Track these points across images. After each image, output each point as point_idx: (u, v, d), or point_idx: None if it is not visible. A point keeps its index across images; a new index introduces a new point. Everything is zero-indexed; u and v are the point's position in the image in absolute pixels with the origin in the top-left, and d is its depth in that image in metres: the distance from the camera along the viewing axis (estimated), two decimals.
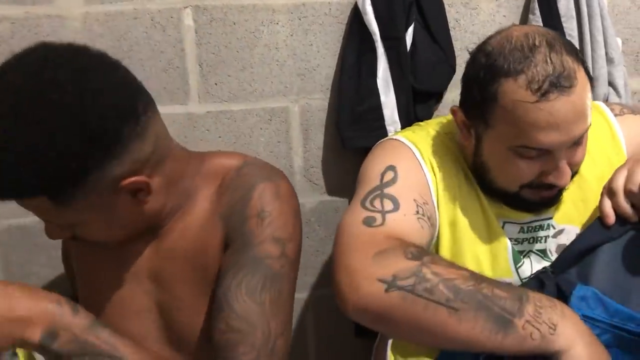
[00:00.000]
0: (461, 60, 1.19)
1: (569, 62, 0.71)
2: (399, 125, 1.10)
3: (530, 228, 0.83)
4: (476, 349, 0.66)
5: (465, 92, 0.79)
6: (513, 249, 0.81)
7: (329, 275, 1.04)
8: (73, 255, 0.86)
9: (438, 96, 1.19)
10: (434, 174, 0.81)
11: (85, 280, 0.83)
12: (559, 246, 0.82)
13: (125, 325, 0.79)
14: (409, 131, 0.89)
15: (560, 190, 0.79)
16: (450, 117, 0.87)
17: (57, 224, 0.71)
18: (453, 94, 1.21)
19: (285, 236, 0.73)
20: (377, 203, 0.76)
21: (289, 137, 1.19)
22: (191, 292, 0.76)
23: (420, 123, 0.93)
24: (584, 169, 0.82)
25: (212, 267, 0.74)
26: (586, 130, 0.74)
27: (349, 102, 1.12)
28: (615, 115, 0.87)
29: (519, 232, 0.83)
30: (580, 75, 0.72)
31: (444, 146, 0.84)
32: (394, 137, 0.87)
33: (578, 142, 0.74)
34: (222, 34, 1.13)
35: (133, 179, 0.67)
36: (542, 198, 0.78)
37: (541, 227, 0.83)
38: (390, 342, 0.86)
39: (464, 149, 0.84)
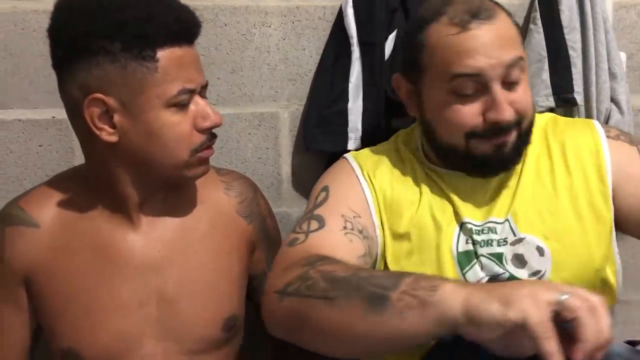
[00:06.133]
0: None
1: (488, 3, 0.83)
2: (359, 133, 1.16)
3: (485, 229, 0.86)
4: (364, 338, 0.64)
5: (401, 54, 0.90)
6: (459, 254, 0.86)
7: None
8: (37, 284, 0.89)
9: None
10: (374, 188, 0.89)
11: (62, 292, 0.88)
12: (515, 256, 0.85)
13: (113, 323, 0.87)
14: (366, 149, 0.99)
15: (516, 145, 0.83)
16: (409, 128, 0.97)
17: None
18: None
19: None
20: (304, 225, 0.84)
21: (277, 143, 1.26)
22: (207, 277, 0.91)
23: (392, 137, 1.01)
24: (558, 177, 0.87)
25: (235, 255, 0.95)
26: (518, 60, 0.81)
27: (318, 104, 1.18)
28: (608, 136, 0.90)
29: (474, 232, 0.86)
30: (502, 15, 0.83)
31: (398, 158, 0.94)
32: (345, 155, 0.97)
33: (512, 77, 0.81)
34: (212, 35, 1.21)
35: (98, 94, 0.78)
36: (494, 147, 0.83)
37: (494, 230, 0.86)
38: None
39: (416, 130, 0.94)
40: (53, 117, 1.20)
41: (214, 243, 0.93)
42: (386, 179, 0.91)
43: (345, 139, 1.16)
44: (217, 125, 0.85)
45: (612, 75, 1.21)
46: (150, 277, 0.89)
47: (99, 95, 0.78)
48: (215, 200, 0.95)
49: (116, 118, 0.80)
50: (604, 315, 0.57)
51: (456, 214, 0.88)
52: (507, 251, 0.85)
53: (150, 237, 0.90)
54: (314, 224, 0.84)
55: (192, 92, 0.82)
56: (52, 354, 0.92)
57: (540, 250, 0.85)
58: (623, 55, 1.26)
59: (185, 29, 0.82)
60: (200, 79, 0.84)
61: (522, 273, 0.85)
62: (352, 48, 1.16)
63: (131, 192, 0.87)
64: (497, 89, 0.80)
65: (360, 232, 0.84)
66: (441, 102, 0.83)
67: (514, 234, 0.86)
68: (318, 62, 1.22)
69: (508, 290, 0.59)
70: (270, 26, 1.22)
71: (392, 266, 0.86)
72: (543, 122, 0.93)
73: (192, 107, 0.83)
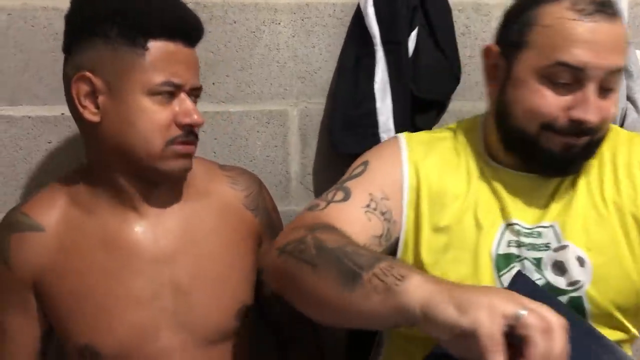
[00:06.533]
0: (470, 68, 1.25)
1: (614, 3, 0.80)
2: (392, 133, 1.15)
3: (535, 233, 0.85)
4: (335, 310, 0.67)
5: (504, 25, 0.88)
6: (497, 257, 0.84)
7: None
8: (48, 285, 0.90)
9: (441, 107, 1.23)
10: (417, 175, 0.88)
11: (75, 291, 0.89)
12: (555, 263, 0.84)
13: (129, 317, 0.88)
14: (423, 132, 0.98)
15: (583, 152, 0.82)
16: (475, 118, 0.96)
17: None
18: (459, 104, 1.27)
19: None
20: (331, 194, 0.86)
21: (286, 141, 1.26)
22: (219, 268, 0.93)
23: (453, 124, 1.00)
24: (607, 190, 0.85)
25: (243, 246, 0.97)
26: (620, 70, 0.80)
27: (343, 105, 1.18)
28: None
29: (522, 234, 0.85)
30: (621, 19, 0.80)
31: (454, 147, 0.92)
32: (398, 134, 0.96)
33: (609, 84, 0.79)
34: (221, 32, 1.21)
35: (88, 73, 0.83)
36: (564, 146, 0.81)
37: (540, 234, 0.85)
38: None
39: (479, 120, 0.92)
40: (62, 113, 1.21)
41: (223, 234, 0.95)
42: (435, 169, 0.89)
43: (377, 140, 1.14)
44: (197, 125, 0.88)
45: (628, 74, 1.20)
46: (163, 269, 0.90)
47: (88, 73, 0.83)
48: (222, 193, 0.97)
49: (101, 99, 0.84)
50: (559, 338, 0.55)
51: (504, 213, 0.86)
52: (547, 257, 0.84)
53: (159, 229, 0.91)
54: (340, 195, 0.85)
55: (177, 88, 0.85)
56: (68, 352, 0.93)
57: (581, 261, 0.83)
58: (639, 54, 1.25)
59: (182, 28, 0.86)
60: (190, 79, 0.86)
61: (560, 281, 0.83)
62: (375, 48, 1.15)
63: (129, 182, 0.89)
64: (592, 89, 0.79)
65: (383, 213, 0.84)
66: (531, 84, 0.81)
67: (558, 241, 0.84)
68: (337, 63, 1.22)
69: (469, 295, 0.58)
70: (279, 23, 1.22)
71: (428, 259, 0.85)
72: None
73: (176, 103, 0.86)
